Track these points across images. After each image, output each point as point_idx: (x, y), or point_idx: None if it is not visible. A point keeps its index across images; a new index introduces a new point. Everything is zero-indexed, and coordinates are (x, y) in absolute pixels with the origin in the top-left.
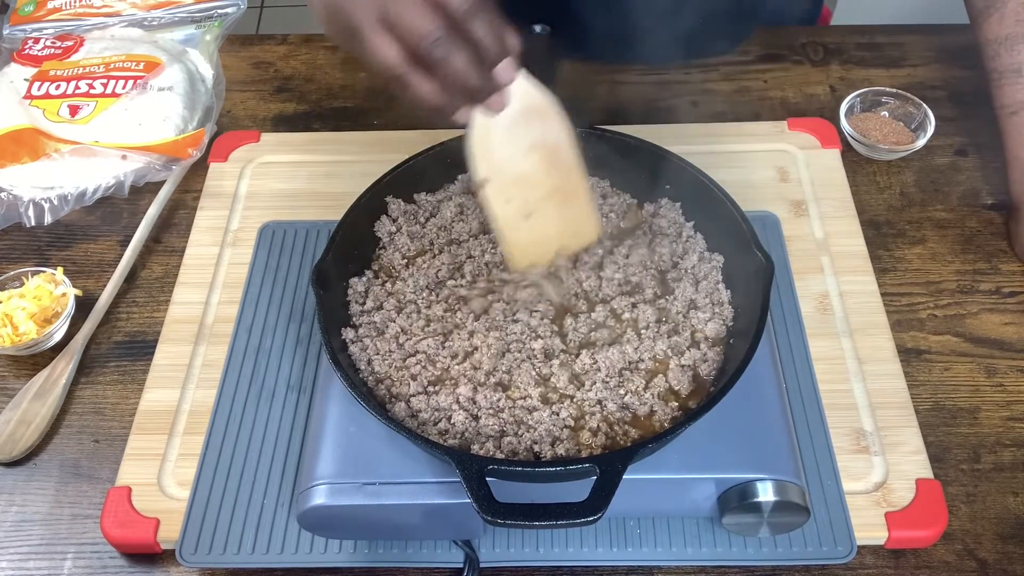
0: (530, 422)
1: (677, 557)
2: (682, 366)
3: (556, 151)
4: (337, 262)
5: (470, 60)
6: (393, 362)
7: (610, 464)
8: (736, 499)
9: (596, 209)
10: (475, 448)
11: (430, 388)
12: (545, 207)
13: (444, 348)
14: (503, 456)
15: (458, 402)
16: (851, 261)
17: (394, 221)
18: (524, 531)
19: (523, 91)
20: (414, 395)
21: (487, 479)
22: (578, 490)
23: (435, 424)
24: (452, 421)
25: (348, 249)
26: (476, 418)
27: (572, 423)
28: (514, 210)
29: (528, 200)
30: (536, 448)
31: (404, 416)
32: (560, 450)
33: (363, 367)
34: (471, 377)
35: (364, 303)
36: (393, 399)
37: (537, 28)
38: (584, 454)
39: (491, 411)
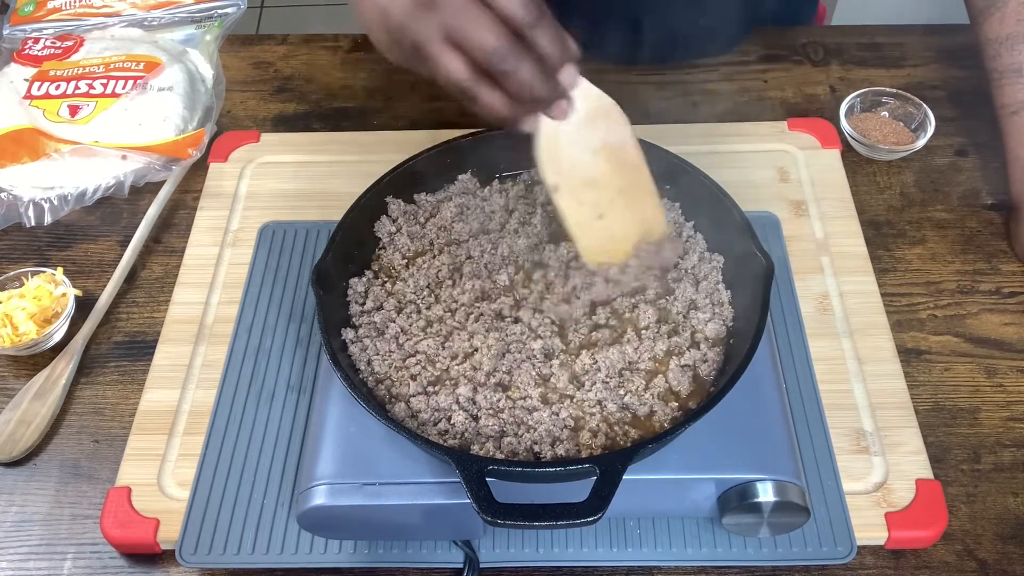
0: (530, 422)
1: (677, 557)
2: (682, 366)
3: (622, 151)
4: (337, 262)
5: (535, 69)
6: (393, 362)
7: (610, 464)
8: (736, 499)
9: (661, 203)
10: (475, 448)
11: (430, 388)
12: (615, 206)
13: (444, 348)
14: (503, 456)
15: (458, 402)
16: (851, 261)
17: (394, 221)
18: (524, 531)
19: (586, 94)
20: (414, 395)
21: (487, 479)
22: (578, 490)
23: (435, 424)
24: (452, 421)
25: (348, 249)
26: (476, 418)
27: (572, 423)
28: (586, 212)
29: (599, 202)
30: (536, 448)
31: (404, 416)
32: (560, 450)
33: (363, 367)
34: (471, 378)
35: (364, 303)
36: (393, 399)
37: None
38: (584, 454)
39: (491, 411)
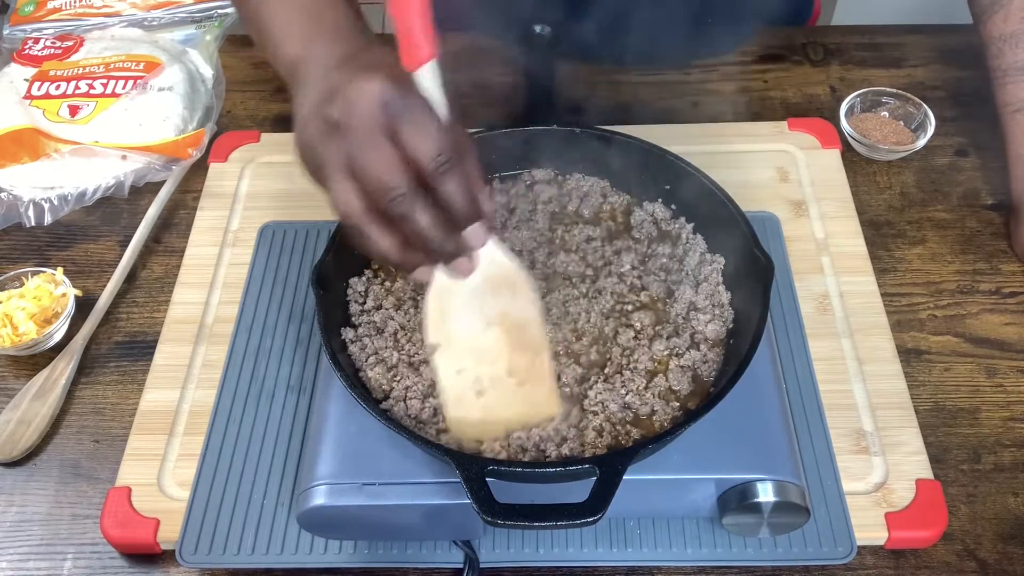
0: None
1: (677, 557)
2: (682, 367)
3: (521, 328)
4: (337, 262)
5: (435, 220)
6: (393, 361)
7: (610, 465)
8: (736, 499)
9: (556, 387)
10: (485, 446)
11: (430, 388)
12: (500, 386)
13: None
14: (506, 456)
15: None
16: (851, 261)
17: None
18: (524, 531)
19: (493, 259)
20: (412, 397)
21: (487, 480)
22: (580, 490)
23: (435, 424)
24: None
25: (348, 249)
26: None
27: (577, 423)
28: (465, 383)
29: (482, 376)
30: (543, 447)
31: (402, 415)
32: (565, 449)
33: (363, 366)
34: None
35: (364, 302)
36: (393, 399)
37: (538, 28)
38: (588, 454)
39: None
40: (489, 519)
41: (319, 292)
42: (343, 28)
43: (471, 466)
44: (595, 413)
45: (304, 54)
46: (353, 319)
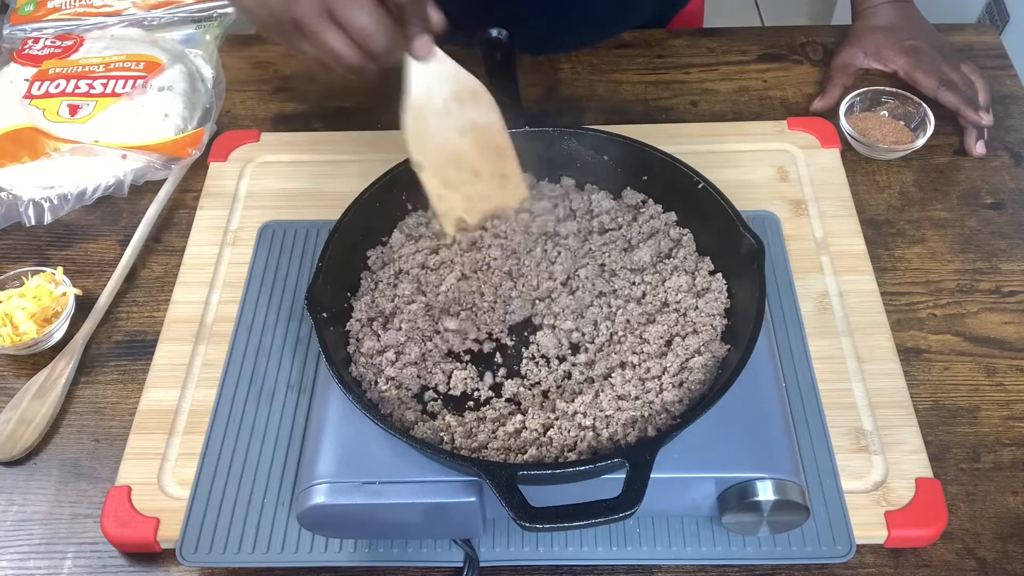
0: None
1: (677, 556)
2: (682, 355)
3: (487, 132)
4: (328, 282)
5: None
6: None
7: (638, 455)
8: (736, 498)
9: (522, 175)
10: (512, 456)
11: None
12: (476, 181)
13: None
14: (531, 459)
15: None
16: (851, 261)
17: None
18: (524, 531)
19: (455, 75)
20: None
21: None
22: (600, 489)
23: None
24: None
25: (339, 268)
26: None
27: (591, 425)
28: (449, 187)
29: (462, 178)
30: (567, 456)
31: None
32: (584, 446)
33: (369, 389)
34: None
35: (368, 312)
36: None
37: (494, 32)
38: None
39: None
40: (527, 524)
41: (317, 317)
42: None
43: (500, 474)
44: (618, 409)
45: None
46: (351, 335)
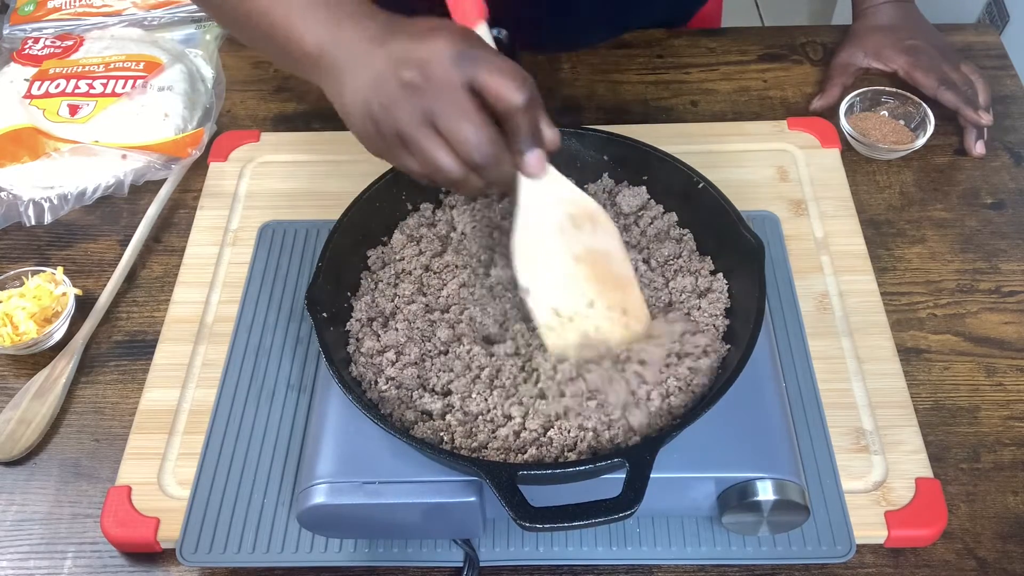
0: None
1: (677, 556)
2: (681, 355)
3: (606, 260)
4: (327, 282)
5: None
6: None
7: (638, 456)
8: (736, 498)
9: (646, 310)
10: (512, 456)
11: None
12: (592, 313)
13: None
14: (531, 460)
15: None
16: (851, 260)
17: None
18: (524, 531)
19: (572, 197)
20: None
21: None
22: (597, 490)
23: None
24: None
25: (338, 266)
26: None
27: (592, 427)
28: (560, 317)
29: (575, 308)
30: (568, 456)
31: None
32: (584, 446)
33: (368, 378)
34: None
35: (371, 309)
36: (402, 403)
37: (495, 32)
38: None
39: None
40: (527, 524)
41: (316, 316)
42: (365, 8)
43: (500, 474)
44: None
45: (332, 39)
46: (351, 334)
